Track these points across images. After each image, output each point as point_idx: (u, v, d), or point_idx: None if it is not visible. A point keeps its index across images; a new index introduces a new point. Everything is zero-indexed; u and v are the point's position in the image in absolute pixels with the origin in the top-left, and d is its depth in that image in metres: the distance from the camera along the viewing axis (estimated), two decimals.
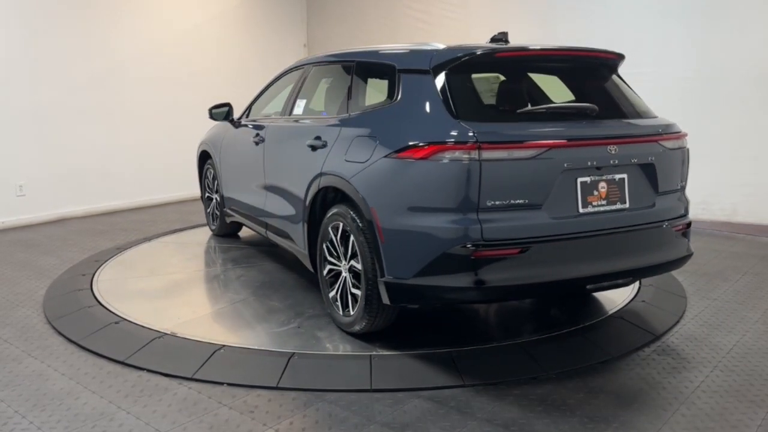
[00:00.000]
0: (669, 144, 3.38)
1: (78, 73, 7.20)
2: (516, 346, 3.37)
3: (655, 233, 3.30)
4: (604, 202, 3.13)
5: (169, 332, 3.55)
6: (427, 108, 3.14)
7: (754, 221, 6.20)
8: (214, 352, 3.28)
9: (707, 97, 6.32)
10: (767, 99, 6.01)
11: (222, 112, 5.34)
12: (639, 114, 3.52)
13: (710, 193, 6.44)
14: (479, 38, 8.48)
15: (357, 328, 3.42)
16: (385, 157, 3.13)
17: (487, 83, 3.83)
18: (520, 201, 2.93)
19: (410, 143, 3.03)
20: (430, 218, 2.96)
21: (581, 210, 3.07)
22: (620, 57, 3.73)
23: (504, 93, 3.69)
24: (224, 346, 3.36)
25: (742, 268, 4.99)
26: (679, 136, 3.47)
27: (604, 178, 3.13)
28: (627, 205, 3.20)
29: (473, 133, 2.88)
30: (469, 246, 2.85)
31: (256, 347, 3.39)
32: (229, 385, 2.99)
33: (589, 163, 3.06)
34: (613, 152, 3.12)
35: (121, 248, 5.59)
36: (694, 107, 6.41)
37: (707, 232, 6.33)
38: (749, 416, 2.70)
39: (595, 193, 3.11)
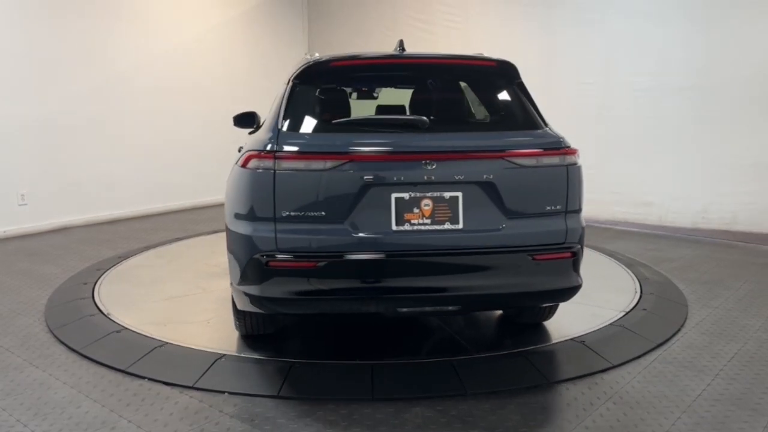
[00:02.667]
0: (525, 161, 2.97)
1: (80, 83, 7.24)
2: (517, 355, 3.37)
3: (502, 260, 2.94)
4: (427, 221, 2.89)
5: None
6: (271, 118, 3.19)
7: (754, 230, 6.21)
8: (215, 361, 3.28)
9: (707, 105, 6.35)
10: (767, 107, 6.03)
11: (245, 121, 5.23)
12: (513, 126, 3.21)
13: (710, 202, 6.46)
14: (480, 47, 8.56)
15: (239, 329, 3.55)
16: (235, 164, 3.17)
17: (338, 94, 3.68)
18: (318, 213, 2.86)
19: (243, 152, 3.08)
20: (241, 225, 2.97)
21: (395, 227, 2.88)
22: (500, 64, 3.34)
23: (341, 103, 3.54)
24: (225, 354, 3.37)
25: (742, 276, 4.99)
26: (544, 152, 3.02)
27: (428, 195, 2.88)
28: (460, 226, 2.90)
29: (273, 142, 2.92)
30: (264, 255, 2.85)
31: (257, 356, 3.39)
32: (230, 393, 2.99)
33: (395, 178, 2.86)
34: (429, 168, 2.86)
35: (122, 257, 5.60)
36: (694, 115, 6.44)
37: (707, 240, 6.34)
38: (751, 424, 2.70)
39: (416, 210, 2.88)
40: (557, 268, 3.02)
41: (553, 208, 3.00)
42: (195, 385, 3.06)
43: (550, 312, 3.68)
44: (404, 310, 3.00)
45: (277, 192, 2.85)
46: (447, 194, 2.90)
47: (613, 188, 7.11)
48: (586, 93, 7.22)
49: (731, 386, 3.06)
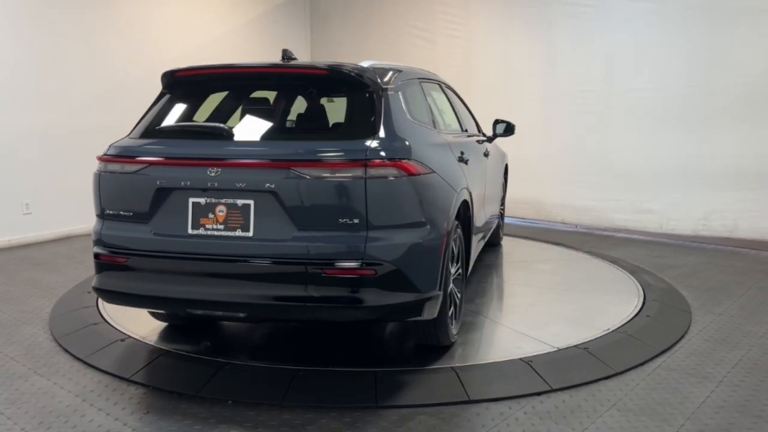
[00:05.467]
0: (314, 171, 2.86)
1: (83, 92, 7.28)
2: (520, 362, 3.37)
3: (289, 271, 2.89)
4: (221, 227, 2.96)
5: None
6: None
7: (756, 237, 6.22)
8: (218, 369, 3.29)
9: (708, 112, 6.37)
10: None
11: None
12: (338, 135, 3.17)
13: (711, 209, 6.47)
14: (480, 57, 8.58)
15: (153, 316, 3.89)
16: None
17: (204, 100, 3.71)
18: (127, 213, 3.13)
19: None
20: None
21: (191, 231, 3.00)
22: (332, 73, 3.29)
23: (182, 111, 3.55)
24: (229, 363, 3.37)
25: (746, 283, 4.99)
26: (336, 164, 2.87)
27: (223, 201, 2.96)
28: (251, 234, 2.93)
29: (110, 146, 3.27)
30: (96, 249, 3.21)
31: (260, 364, 3.39)
32: (234, 401, 2.99)
33: (183, 183, 2.99)
34: (212, 174, 2.94)
35: None
36: (694, 122, 6.46)
37: (710, 247, 6.34)
38: None
39: (211, 216, 2.97)
40: (356, 284, 2.87)
41: (349, 221, 2.85)
42: (199, 394, 3.07)
43: (437, 333, 3.41)
44: (198, 312, 3.16)
45: (101, 191, 3.21)
46: (240, 201, 2.95)
47: (614, 195, 7.12)
48: (586, 100, 7.25)
49: (735, 393, 3.06)
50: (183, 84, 3.56)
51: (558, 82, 7.47)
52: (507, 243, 6.49)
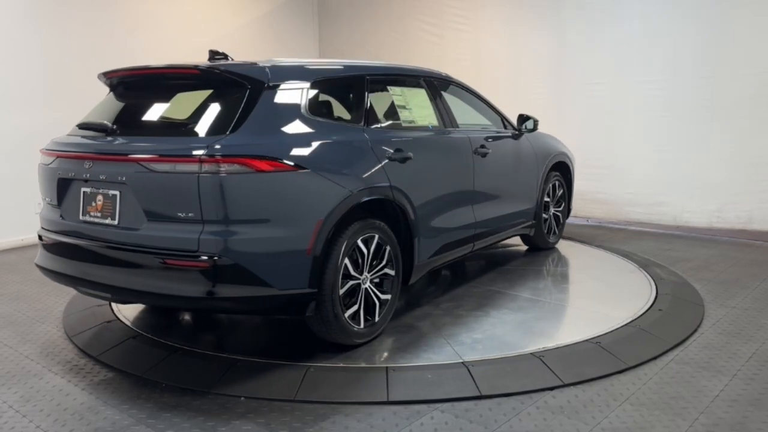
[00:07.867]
0: (155, 166, 3.03)
1: (91, 90, 7.28)
2: (531, 357, 3.36)
3: (137, 258, 3.10)
4: (99, 214, 3.30)
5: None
6: None
7: None
8: (231, 366, 3.31)
9: (720, 103, 6.30)
10: None
11: None
12: (198, 131, 3.17)
13: (725, 201, 6.41)
14: (489, 50, 8.51)
15: None
16: None
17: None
18: (50, 199, 3.60)
19: None
20: None
21: (81, 217, 3.38)
22: (204, 72, 3.42)
23: (104, 108, 3.72)
24: (240, 359, 3.39)
25: (760, 276, 4.95)
26: (172, 159, 3.01)
27: (100, 191, 3.29)
28: (116, 222, 3.22)
29: (50, 142, 3.70)
30: (38, 231, 3.70)
31: (272, 360, 3.41)
32: (247, 398, 3.01)
33: (70, 175, 3.41)
34: (87, 167, 3.31)
35: None
36: (706, 113, 6.40)
37: (723, 240, 6.29)
38: None
39: (93, 204, 3.32)
40: (189, 275, 2.98)
41: (185, 215, 2.98)
42: (212, 390, 3.09)
43: (327, 331, 3.39)
44: (83, 289, 3.45)
45: (39, 181, 3.72)
46: (110, 192, 3.25)
47: (626, 189, 7.07)
48: (596, 94, 7.20)
49: (749, 386, 3.04)
50: (113, 84, 3.84)
51: (568, 75, 7.42)
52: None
